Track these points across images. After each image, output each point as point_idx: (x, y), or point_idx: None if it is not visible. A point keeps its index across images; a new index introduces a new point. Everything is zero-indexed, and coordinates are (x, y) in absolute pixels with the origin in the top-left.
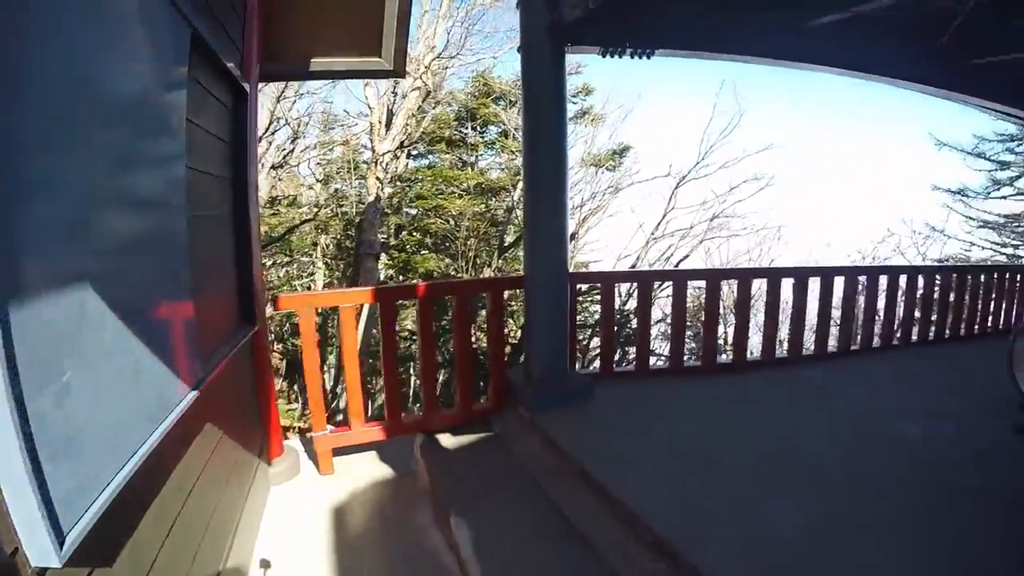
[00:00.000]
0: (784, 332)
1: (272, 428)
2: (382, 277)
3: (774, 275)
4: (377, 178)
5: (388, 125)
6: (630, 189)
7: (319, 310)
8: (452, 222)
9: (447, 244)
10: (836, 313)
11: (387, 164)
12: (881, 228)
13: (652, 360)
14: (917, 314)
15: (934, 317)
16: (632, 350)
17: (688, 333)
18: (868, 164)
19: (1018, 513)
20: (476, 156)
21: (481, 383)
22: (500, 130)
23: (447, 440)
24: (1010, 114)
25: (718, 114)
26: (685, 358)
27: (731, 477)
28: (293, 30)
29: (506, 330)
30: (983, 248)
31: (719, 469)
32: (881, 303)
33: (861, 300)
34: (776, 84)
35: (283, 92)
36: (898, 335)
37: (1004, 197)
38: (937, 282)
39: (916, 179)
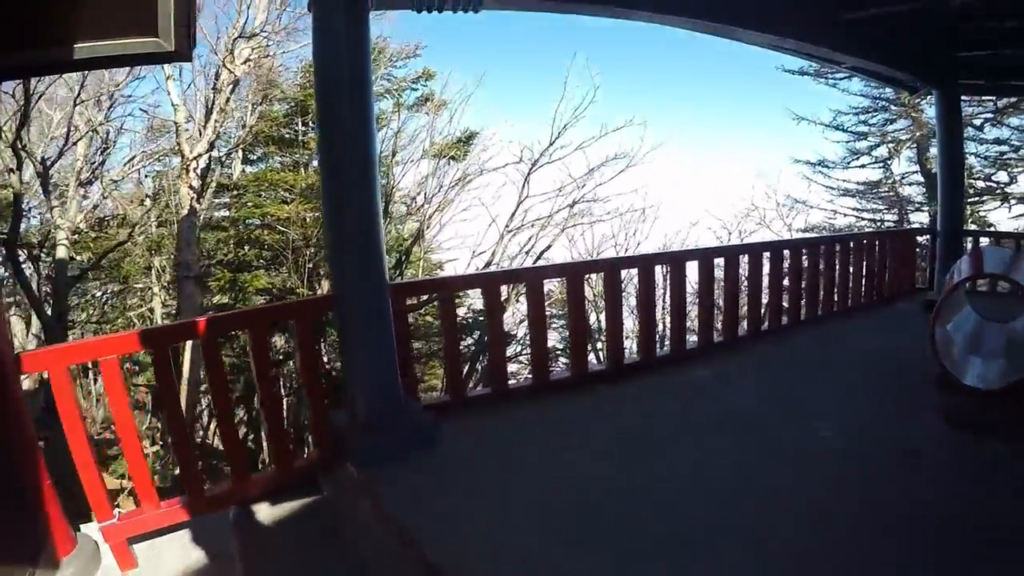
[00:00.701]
0: (663, 327)
1: (53, 518)
2: (217, 301)
3: (646, 262)
4: (191, 187)
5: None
6: (482, 179)
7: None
8: (285, 231)
9: (282, 257)
10: (716, 301)
11: (202, 171)
12: (745, 202)
13: (546, 373)
14: (788, 289)
15: (817, 294)
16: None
17: (556, 336)
18: (730, 140)
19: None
20: (310, 156)
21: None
22: None
23: (265, 512)
24: (878, 74)
25: (571, 90)
26: (552, 369)
27: (619, 545)
28: (43, 10)
29: None
30: (845, 215)
31: (601, 535)
32: (760, 284)
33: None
34: (634, 57)
35: (79, 95)
36: (781, 319)
37: (863, 166)
38: (807, 254)
39: (776, 153)
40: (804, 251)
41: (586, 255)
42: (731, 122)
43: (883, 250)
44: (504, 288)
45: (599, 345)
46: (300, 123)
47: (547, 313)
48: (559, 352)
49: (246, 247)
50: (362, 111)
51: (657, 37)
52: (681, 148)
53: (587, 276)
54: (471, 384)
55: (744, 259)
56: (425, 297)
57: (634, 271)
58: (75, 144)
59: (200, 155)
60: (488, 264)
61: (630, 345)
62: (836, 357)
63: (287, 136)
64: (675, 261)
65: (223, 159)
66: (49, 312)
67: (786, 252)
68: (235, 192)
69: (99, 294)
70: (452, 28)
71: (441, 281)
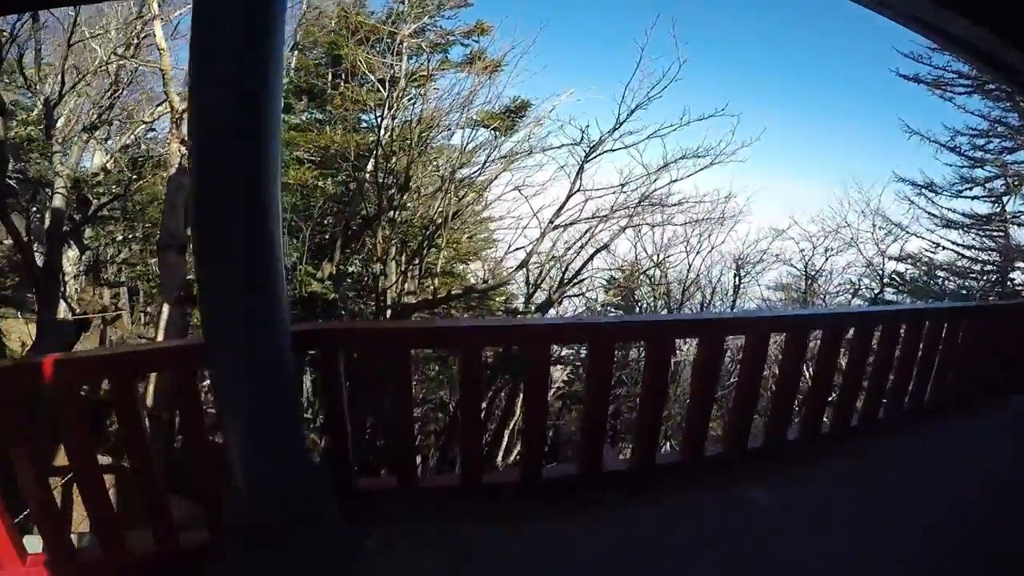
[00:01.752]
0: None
1: None
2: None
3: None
4: (182, 142)
5: None
6: (530, 160)
7: None
8: (300, 197)
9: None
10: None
11: None
12: (836, 217)
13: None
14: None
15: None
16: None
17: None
18: (827, 143)
19: None
20: (337, 114)
21: None
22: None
23: None
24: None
25: (649, 62)
26: (547, 464)
27: None
28: None
29: None
30: (945, 249)
31: None
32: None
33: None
34: (726, 34)
35: (71, 37)
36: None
37: (974, 197)
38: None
39: (878, 166)
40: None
41: (652, 256)
42: (831, 123)
43: None
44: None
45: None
46: (331, 74)
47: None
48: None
49: None
50: (265, 49)
51: (756, 12)
52: (771, 145)
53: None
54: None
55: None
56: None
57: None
58: (74, 86)
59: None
60: (524, 264)
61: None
62: None
63: (315, 88)
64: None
65: None
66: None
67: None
68: None
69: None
70: None
71: (391, 331)
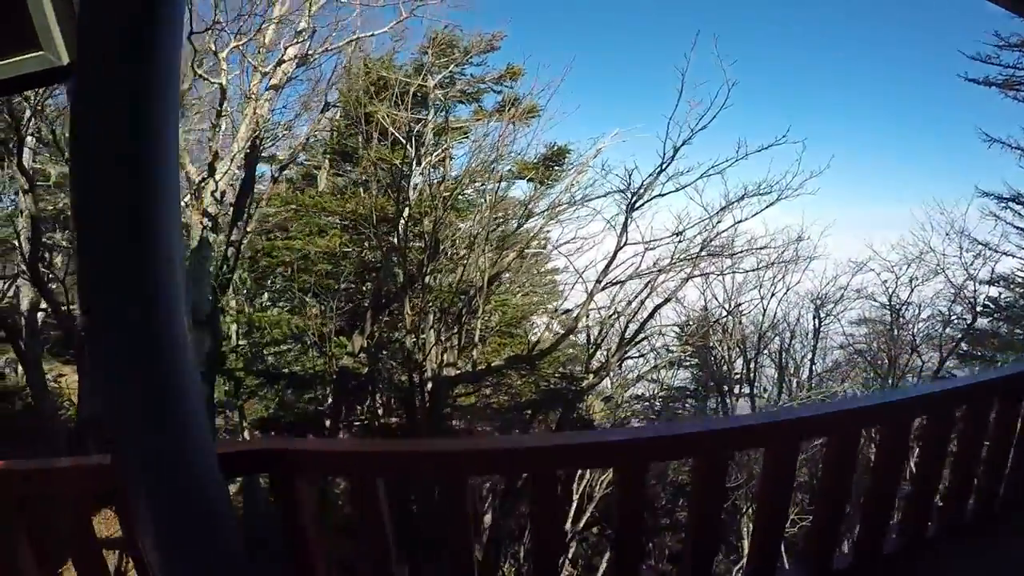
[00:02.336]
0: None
1: None
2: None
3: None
4: (205, 212)
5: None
6: (581, 211)
7: None
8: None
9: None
10: None
11: (220, 194)
12: (918, 243)
13: None
14: None
15: None
16: None
17: None
18: (899, 162)
19: None
20: (364, 177)
21: None
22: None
23: None
24: None
25: (692, 89)
26: None
27: None
28: None
29: None
30: None
31: None
32: None
33: None
34: (776, 48)
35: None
36: None
37: None
38: None
39: (958, 182)
40: None
41: (724, 303)
42: (902, 139)
43: None
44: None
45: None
46: (361, 135)
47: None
48: None
49: (268, 281)
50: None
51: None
52: (840, 169)
53: None
54: None
55: None
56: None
57: None
58: None
59: (212, 176)
60: (571, 330)
61: None
62: None
63: (349, 147)
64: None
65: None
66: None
67: None
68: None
69: None
70: (539, 10)
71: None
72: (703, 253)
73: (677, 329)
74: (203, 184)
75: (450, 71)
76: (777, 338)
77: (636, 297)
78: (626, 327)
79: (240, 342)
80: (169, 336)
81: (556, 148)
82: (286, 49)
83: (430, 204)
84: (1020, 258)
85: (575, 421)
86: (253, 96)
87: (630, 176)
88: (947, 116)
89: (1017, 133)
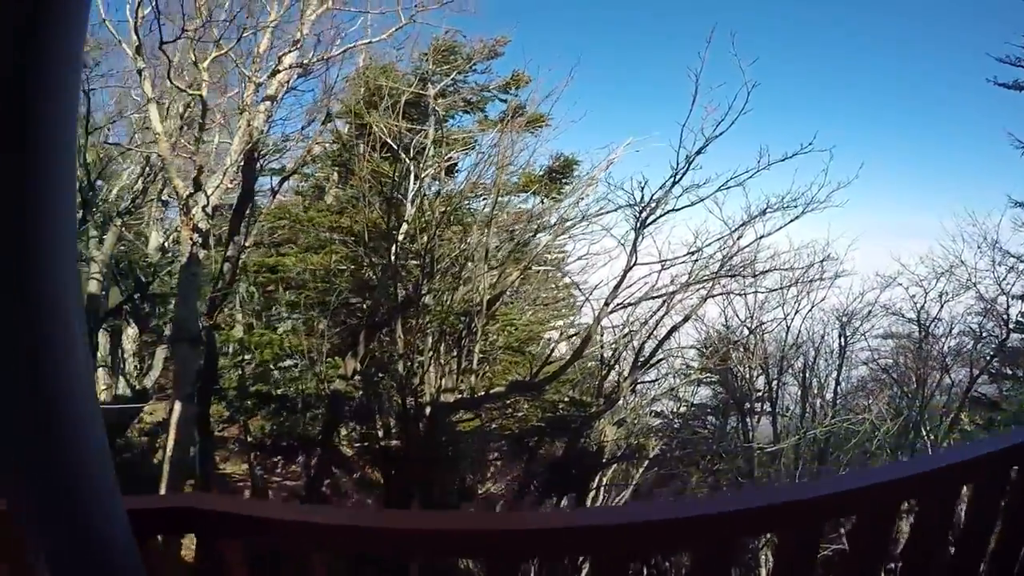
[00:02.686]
0: None
1: None
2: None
3: None
4: (195, 228)
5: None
6: (595, 226)
7: None
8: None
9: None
10: None
11: (212, 209)
12: (948, 255)
13: None
14: None
15: None
16: None
17: None
18: (928, 171)
19: None
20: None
21: None
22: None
23: None
24: None
25: (707, 92)
26: None
27: None
28: None
29: None
30: None
31: None
32: None
33: None
34: (799, 46)
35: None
36: None
37: None
38: None
39: (990, 192)
40: None
41: (745, 321)
42: (931, 147)
43: None
44: None
45: None
46: (361, 147)
47: None
48: None
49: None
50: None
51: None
52: (868, 179)
53: None
54: None
55: None
56: None
57: None
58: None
59: (199, 191)
60: (578, 355)
61: None
62: None
63: (347, 159)
64: None
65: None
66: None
67: None
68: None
69: None
70: (546, 13)
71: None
72: (722, 272)
73: (698, 346)
74: (191, 199)
75: (452, 79)
76: (801, 356)
77: (652, 316)
78: (641, 348)
79: (246, 357)
80: (54, 355)
81: (563, 159)
82: (280, 59)
83: (427, 219)
84: None
85: (583, 449)
86: (246, 107)
87: (642, 190)
88: (978, 120)
89: None
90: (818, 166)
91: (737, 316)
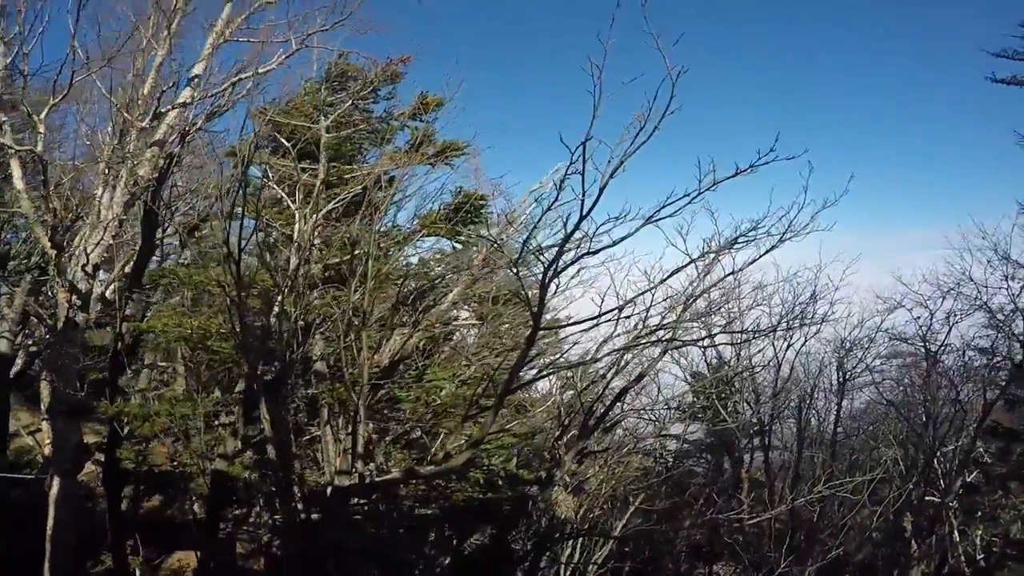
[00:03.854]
0: None
1: None
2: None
3: None
4: (72, 289)
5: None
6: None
7: None
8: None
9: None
10: None
11: (93, 267)
12: (953, 270)
13: None
14: None
15: None
16: None
17: None
18: (927, 178)
19: None
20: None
21: None
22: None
23: None
24: None
25: (615, 91)
26: None
27: None
28: None
29: None
30: None
31: None
32: None
33: None
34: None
35: None
36: None
37: None
38: None
39: (996, 197)
40: None
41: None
42: (929, 154)
43: None
44: None
45: None
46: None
47: None
48: None
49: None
50: None
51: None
52: (862, 190)
53: None
54: None
55: None
56: None
57: None
58: None
59: (77, 250)
60: (478, 441)
61: None
62: None
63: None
64: None
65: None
66: None
67: None
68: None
69: None
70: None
71: None
72: (681, 321)
73: (688, 380)
74: (63, 259)
75: (347, 108)
76: (796, 391)
77: (601, 378)
78: (590, 411)
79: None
80: None
81: (464, 194)
82: (158, 100)
83: (311, 273)
84: None
85: (528, 531)
86: (126, 156)
87: (566, 224)
88: (977, 121)
89: None
90: (796, 182)
91: (718, 355)
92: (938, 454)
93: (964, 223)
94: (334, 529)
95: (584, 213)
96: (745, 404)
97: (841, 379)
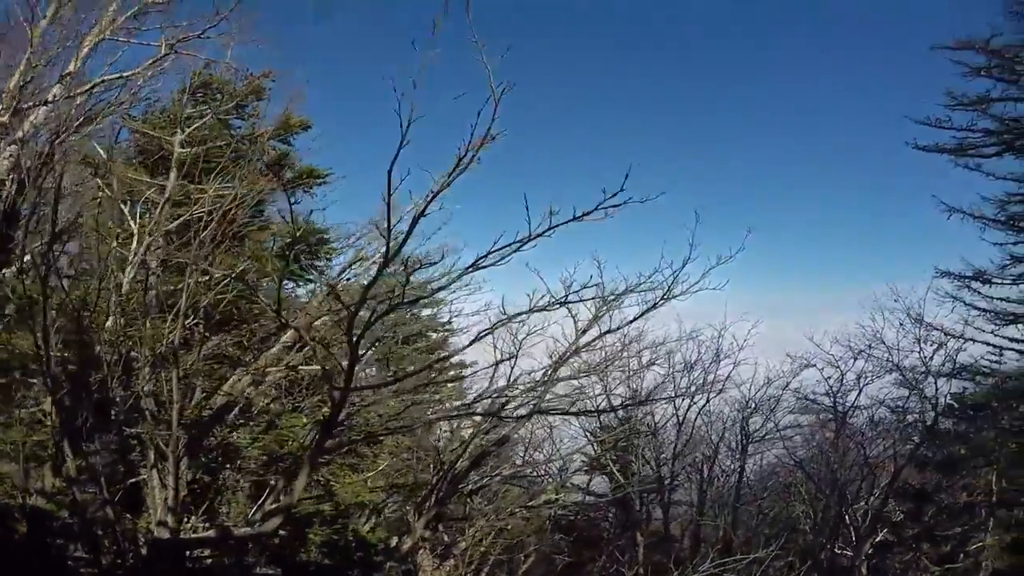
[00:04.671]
0: None
1: None
2: None
3: None
4: None
5: None
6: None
7: None
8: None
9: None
10: None
11: None
12: (865, 333)
13: None
14: None
15: None
16: None
17: None
18: (843, 241)
19: None
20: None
21: None
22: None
23: None
24: None
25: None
26: None
27: None
28: None
29: None
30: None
31: None
32: None
33: None
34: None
35: None
36: None
37: None
38: None
39: (912, 261)
40: None
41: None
42: (843, 215)
43: None
44: None
45: None
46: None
47: None
48: None
49: None
50: None
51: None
52: (775, 249)
53: None
54: None
55: None
56: None
57: None
58: None
59: None
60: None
61: None
62: None
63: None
64: None
65: None
66: None
67: None
68: None
69: None
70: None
71: None
72: (549, 382)
73: (588, 436)
74: None
75: (204, 122)
76: (699, 449)
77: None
78: (450, 474)
79: None
80: None
81: (307, 227)
82: (20, 93)
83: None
84: (984, 343)
85: None
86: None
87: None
88: (900, 185)
89: (977, 201)
90: (685, 232)
91: (615, 415)
92: (848, 511)
93: (880, 282)
94: None
95: (390, 255)
96: (644, 462)
97: (744, 442)
